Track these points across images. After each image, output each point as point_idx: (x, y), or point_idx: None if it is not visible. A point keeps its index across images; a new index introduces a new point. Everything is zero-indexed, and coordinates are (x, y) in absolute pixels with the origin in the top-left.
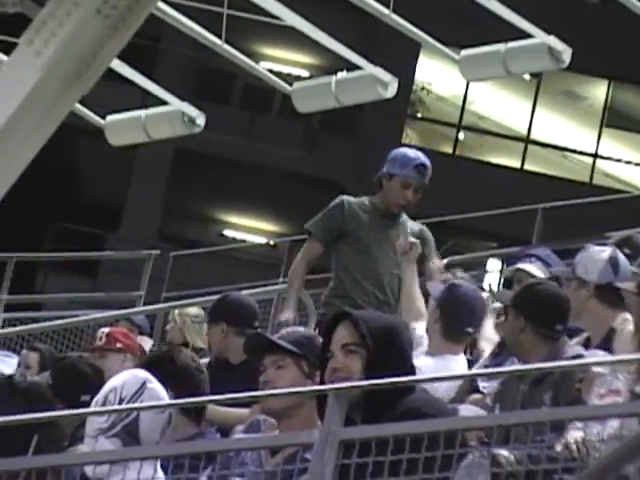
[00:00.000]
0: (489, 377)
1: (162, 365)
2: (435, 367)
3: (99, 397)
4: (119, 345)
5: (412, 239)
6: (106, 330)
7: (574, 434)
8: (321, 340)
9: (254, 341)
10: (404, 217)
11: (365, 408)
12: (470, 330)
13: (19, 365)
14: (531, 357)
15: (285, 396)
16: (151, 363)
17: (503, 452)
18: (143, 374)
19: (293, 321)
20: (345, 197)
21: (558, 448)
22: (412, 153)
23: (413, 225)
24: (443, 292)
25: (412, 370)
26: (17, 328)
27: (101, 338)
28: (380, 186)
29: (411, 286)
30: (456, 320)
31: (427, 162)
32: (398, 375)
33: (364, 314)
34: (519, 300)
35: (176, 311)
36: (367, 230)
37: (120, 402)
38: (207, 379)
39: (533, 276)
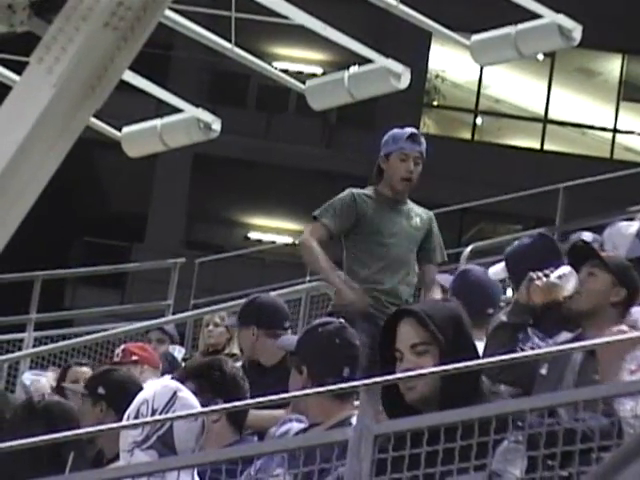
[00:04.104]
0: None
1: (210, 374)
2: None
3: (131, 411)
4: (135, 357)
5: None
6: (122, 347)
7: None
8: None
9: None
10: (410, 204)
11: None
12: (490, 311)
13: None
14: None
15: (315, 395)
16: (198, 371)
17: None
18: (173, 384)
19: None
20: (353, 189)
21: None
22: (400, 129)
23: (422, 212)
24: (455, 280)
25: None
26: (49, 346)
27: (118, 354)
28: (381, 173)
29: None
30: (474, 304)
31: (418, 132)
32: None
33: (427, 308)
34: None
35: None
36: (379, 219)
37: (153, 414)
38: (248, 388)
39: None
